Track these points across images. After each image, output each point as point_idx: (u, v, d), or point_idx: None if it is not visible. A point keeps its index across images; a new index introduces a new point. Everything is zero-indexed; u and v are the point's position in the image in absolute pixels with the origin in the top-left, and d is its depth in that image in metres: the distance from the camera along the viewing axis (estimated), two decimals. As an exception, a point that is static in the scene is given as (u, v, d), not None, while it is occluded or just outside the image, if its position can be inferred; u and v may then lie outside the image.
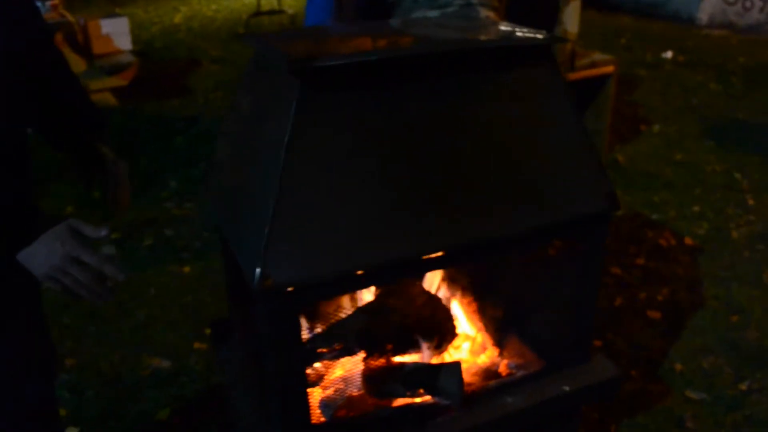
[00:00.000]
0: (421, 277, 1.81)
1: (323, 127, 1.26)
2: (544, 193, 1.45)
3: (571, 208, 1.47)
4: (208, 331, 2.67)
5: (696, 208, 3.61)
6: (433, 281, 1.87)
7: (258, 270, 1.20)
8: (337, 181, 1.29)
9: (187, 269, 3.12)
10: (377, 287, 1.74)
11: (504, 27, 1.65)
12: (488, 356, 1.88)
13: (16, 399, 1.35)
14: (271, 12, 8.50)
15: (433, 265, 1.44)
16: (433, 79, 1.37)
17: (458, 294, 1.91)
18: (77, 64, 5.49)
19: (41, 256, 1.12)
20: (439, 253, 1.36)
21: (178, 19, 8.91)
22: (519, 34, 1.47)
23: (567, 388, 1.69)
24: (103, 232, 1.18)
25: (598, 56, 3.85)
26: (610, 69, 3.81)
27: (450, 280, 1.89)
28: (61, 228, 1.14)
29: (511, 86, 1.44)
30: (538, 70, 1.45)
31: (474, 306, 1.92)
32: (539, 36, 1.45)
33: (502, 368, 1.83)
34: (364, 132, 1.31)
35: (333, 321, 1.67)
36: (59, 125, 1.48)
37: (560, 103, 1.49)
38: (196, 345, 2.61)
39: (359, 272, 1.29)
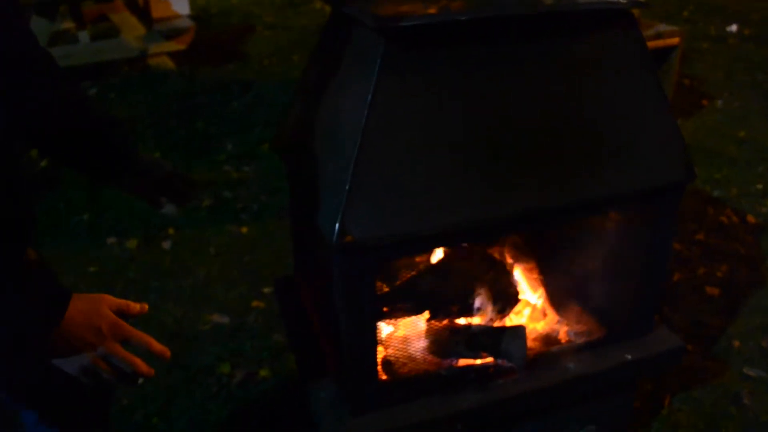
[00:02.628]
0: (494, 240, 1.82)
1: (406, 86, 1.27)
2: (624, 160, 1.44)
3: (649, 175, 1.46)
4: (266, 290, 2.75)
5: (759, 186, 3.51)
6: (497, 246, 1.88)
7: (337, 226, 1.23)
8: (417, 141, 1.30)
9: (245, 230, 3.19)
10: (452, 247, 1.75)
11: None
12: (548, 323, 1.89)
13: None
14: (324, -21, 8.44)
15: (509, 228, 1.45)
16: (513, 43, 1.36)
17: (521, 260, 1.92)
18: (137, 28, 5.60)
19: (74, 358, 1.03)
20: (517, 216, 1.37)
21: (231, -16, 8.95)
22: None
23: (629, 357, 1.70)
24: (141, 308, 1.11)
25: (663, 27, 3.74)
26: (675, 41, 3.70)
27: (513, 246, 1.90)
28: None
29: (591, 50, 1.43)
30: (621, 35, 1.43)
31: (536, 272, 1.93)
32: (620, 0, 1.43)
33: (562, 335, 1.84)
34: (445, 93, 1.31)
35: (400, 281, 1.70)
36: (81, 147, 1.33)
37: (641, 69, 1.47)
38: (255, 303, 2.68)
39: (437, 232, 1.31)
